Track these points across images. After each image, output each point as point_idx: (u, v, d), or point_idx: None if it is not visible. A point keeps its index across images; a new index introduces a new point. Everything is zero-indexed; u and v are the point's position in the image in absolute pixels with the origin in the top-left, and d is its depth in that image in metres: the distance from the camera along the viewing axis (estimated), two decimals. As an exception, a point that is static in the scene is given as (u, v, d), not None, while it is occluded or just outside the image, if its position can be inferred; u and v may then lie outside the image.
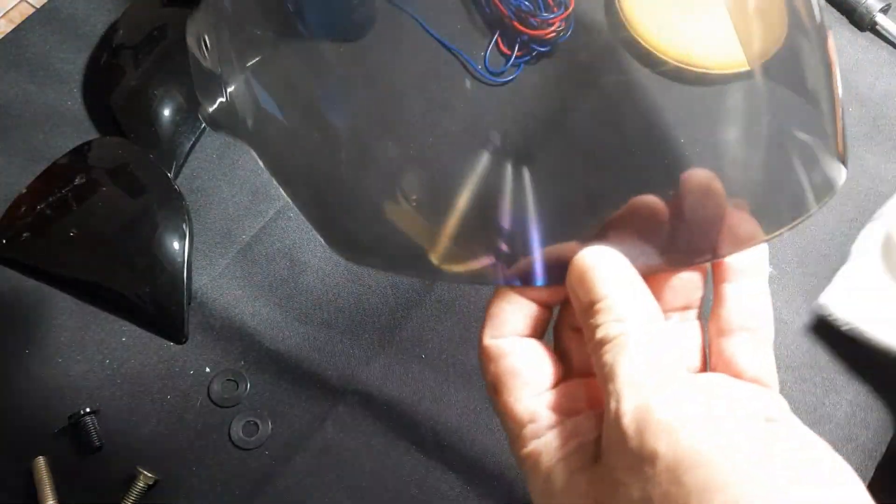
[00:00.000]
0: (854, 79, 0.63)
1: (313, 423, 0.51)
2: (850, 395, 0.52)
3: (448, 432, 0.50)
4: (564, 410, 0.27)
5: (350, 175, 0.33)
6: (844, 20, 0.65)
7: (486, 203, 0.30)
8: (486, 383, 0.28)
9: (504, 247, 0.30)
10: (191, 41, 0.35)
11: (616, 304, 0.26)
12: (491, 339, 0.28)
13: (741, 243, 0.28)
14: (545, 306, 0.29)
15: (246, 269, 0.55)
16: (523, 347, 0.28)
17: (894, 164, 0.60)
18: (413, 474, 0.50)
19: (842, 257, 0.56)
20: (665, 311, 0.29)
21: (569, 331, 0.30)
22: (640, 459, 0.23)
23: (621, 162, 0.31)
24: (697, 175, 0.28)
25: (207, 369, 0.52)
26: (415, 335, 0.53)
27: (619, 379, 0.24)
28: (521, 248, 0.29)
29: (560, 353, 0.30)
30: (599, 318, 0.26)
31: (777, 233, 0.29)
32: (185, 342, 0.53)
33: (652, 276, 0.28)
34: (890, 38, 0.64)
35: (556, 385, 0.28)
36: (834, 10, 0.66)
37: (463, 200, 0.31)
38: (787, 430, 0.26)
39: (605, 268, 0.27)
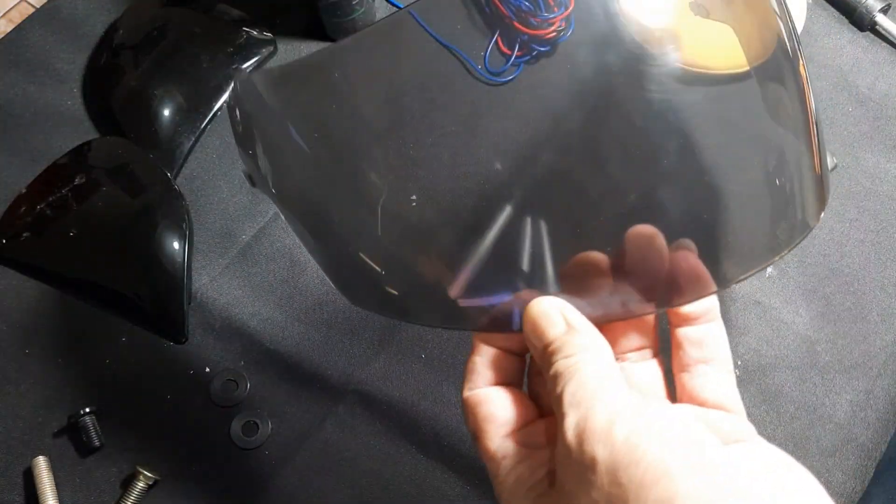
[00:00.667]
0: (854, 79, 0.63)
1: (313, 423, 0.51)
2: (850, 395, 0.52)
3: (448, 432, 0.50)
4: (532, 446, 0.29)
5: (348, 225, 0.35)
6: (844, 20, 0.65)
7: (461, 255, 0.32)
8: (469, 433, 0.31)
9: (476, 295, 0.32)
10: (229, 109, 0.37)
11: (565, 345, 0.29)
12: (468, 392, 0.31)
13: (689, 296, 0.30)
14: (516, 354, 0.32)
15: (246, 269, 0.55)
16: (496, 395, 0.31)
17: (894, 164, 0.60)
18: (413, 474, 0.50)
19: (840, 257, 0.56)
20: (621, 352, 0.32)
21: (536, 375, 0.33)
22: (584, 468, 0.25)
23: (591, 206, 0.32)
24: (639, 232, 0.30)
25: (207, 369, 0.52)
26: (415, 335, 0.53)
27: (565, 402, 0.27)
28: (490, 296, 0.32)
29: (533, 396, 0.32)
30: (552, 359, 0.28)
31: (736, 281, 0.31)
32: (184, 342, 0.53)
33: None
34: (890, 38, 0.64)
35: (527, 424, 0.30)
36: (834, 10, 0.66)
37: (437, 254, 0.33)
38: (751, 450, 0.27)
39: (553, 314, 0.30)
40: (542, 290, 0.31)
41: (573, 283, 0.30)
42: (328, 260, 0.37)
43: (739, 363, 0.53)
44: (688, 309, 0.31)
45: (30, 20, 0.64)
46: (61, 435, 0.50)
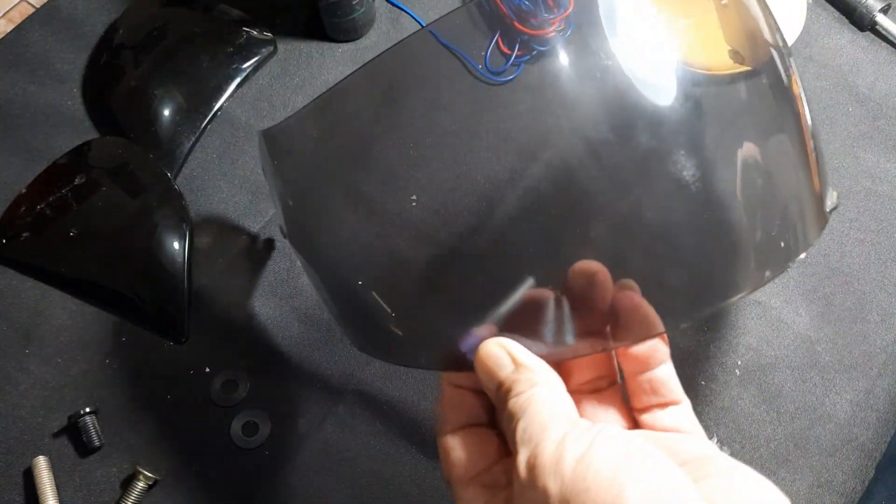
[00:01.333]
0: (854, 79, 0.63)
1: (313, 423, 0.51)
2: (850, 395, 0.52)
3: (448, 432, 0.50)
4: (495, 486, 0.30)
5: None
6: (844, 20, 0.65)
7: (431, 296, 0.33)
8: (443, 478, 0.32)
9: (431, 334, 0.33)
10: (262, 157, 0.38)
11: (515, 383, 0.29)
12: (440, 438, 0.31)
13: (637, 336, 0.31)
14: (481, 393, 0.32)
15: (246, 269, 0.55)
16: (461, 441, 0.31)
17: (894, 164, 0.60)
18: (413, 474, 0.50)
19: (840, 256, 0.56)
20: (578, 383, 0.32)
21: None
22: (537, 501, 0.25)
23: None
24: (581, 268, 0.30)
25: (207, 369, 0.52)
26: (415, 335, 0.53)
27: (517, 439, 0.27)
28: (442, 335, 0.33)
29: (500, 433, 0.32)
30: (505, 398, 0.29)
31: (692, 320, 0.30)
32: (184, 342, 0.53)
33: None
34: (890, 38, 0.64)
35: (492, 466, 0.30)
36: (834, 10, 0.66)
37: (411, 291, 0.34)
38: (707, 466, 0.27)
39: (501, 355, 0.30)
40: (494, 327, 0.31)
41: (523, 321, 0.31)
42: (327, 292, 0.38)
43: (739, 363, 0.53)
44: (636, 350, 0.31)
45: (30, 20, 0.64)
46: (61, 435, 0.50)
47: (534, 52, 0.65)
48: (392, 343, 0.35)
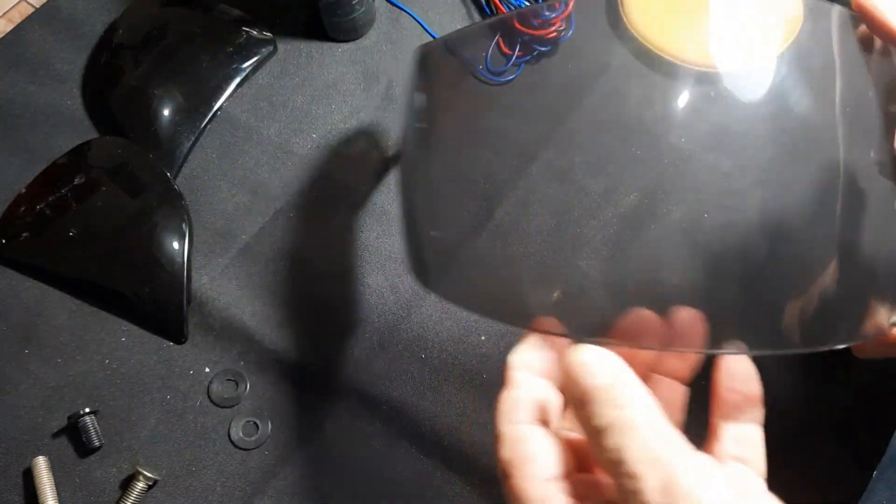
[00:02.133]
0: (854, 79, 0.63)
1: (313, 423, 0.51)
2: (851, 395, 0.52)
3: (448, 432, 0.50)
4: (575, 496, 0.28)
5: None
6: (844, 20, 0.65)
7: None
8: (499, 466, 0.30)
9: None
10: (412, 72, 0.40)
11: (614, 394, 0.27)
12: (507, 425, 0.30)
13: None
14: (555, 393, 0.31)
15: (246, 269, 0.55)
16: (539, 435, 0.29)
17: (894, 164, 0.60)
18: (413, 474, 0.50)
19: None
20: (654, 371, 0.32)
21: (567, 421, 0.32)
22: None
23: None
24: (683, 315, 0.31)
25: (207, 369, 0.52)
26: (415, 335, 0.53)
27: (633, 458, 0.25)
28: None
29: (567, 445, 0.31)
30: (597, 409, 0.27)
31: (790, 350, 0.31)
32: (184, 342, 0.53)
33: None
34: (890, 38, 0.64)
35: (566, 474, 0.29)
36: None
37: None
38: None
39: (597, 363, 0.28)
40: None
41: (620, 334, 0.31)
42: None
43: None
44: (732, 397, 0.31)
45: (29, 20, 0.64)
46: (61, 435, 0.50)
47: (534, 53, 0.65)
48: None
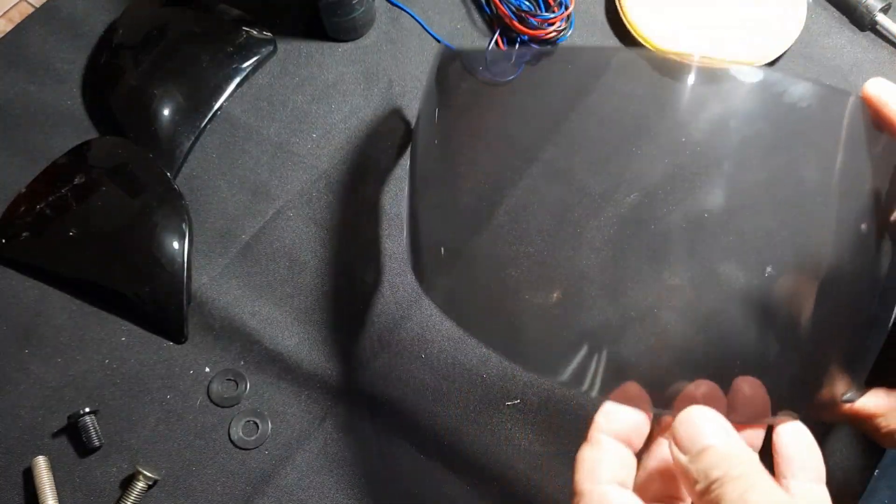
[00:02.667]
0: (854, 79, 0.63)
1: (313, 423, 0.51)
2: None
3: (448, 432, 0.50)
4: None
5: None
6: (845, 20, 0.65)
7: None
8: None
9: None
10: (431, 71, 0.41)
11: (730, 451, 0.28)
12: (590, 483, 0.30)
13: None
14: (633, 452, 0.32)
15: (246, 269, 0.55)
16: (623, 497, 0.30)
17: (894, 164, 0.60)
18: (413, 474, 0.50)
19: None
20: None
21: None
22: None
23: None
24: (745, 388, 0.32)
25: (207, 369, 0.52)
26: (415, 335, 0.53)
27: None
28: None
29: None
30: (713, 463, 0.28)
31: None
32: (184, 342, 0.53)
33: None
34: (890, 37, 0.64)
35: None
36: (834, 10, 0.66)
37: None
38: None
39: (711, 420, 0.30)
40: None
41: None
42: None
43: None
44: (793, 453, 0.32)
45: (29, 20, 0.64)
46: (61, 435, 0.50)
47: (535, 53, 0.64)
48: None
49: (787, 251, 0.35)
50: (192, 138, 0.58)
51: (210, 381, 0.51)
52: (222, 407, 0.51)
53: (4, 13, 0.68)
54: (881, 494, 0.49)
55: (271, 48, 0.63)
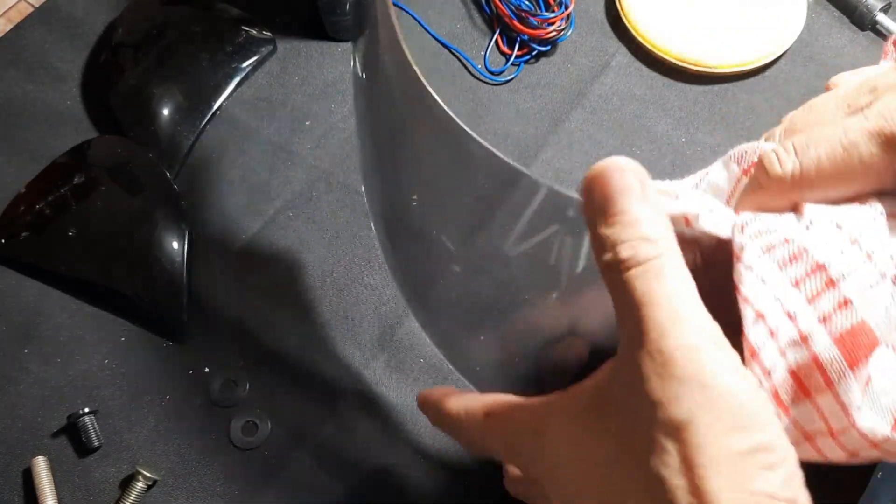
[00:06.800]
0: (854, 78, 0.63)
1: (313, 423, 0.51)
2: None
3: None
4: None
5: None
6: (845, 20, 0.65)
7: None
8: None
9: None
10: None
11: (645, 221, 0.22)
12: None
13: None
14: None
15: (246, 269, 0.55)
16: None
17: (894, 164, 0.60)
18: (413, 475, 0.50)
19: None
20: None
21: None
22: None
23: None
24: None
25: (207, 369, 0.52)
26: (415, 335, 0.53)
27: (661, 312, 0.21)
28: None
29: None
30: (622, 232, 0.22)
31: None
32: (184, 342, 0.53)
33: None
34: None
35: None
36: (834, 10, 0.66)
37: None
38: None
39: (632, 178, 0.22)
40: None
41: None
42: None
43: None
44: None
45: (29, 19, 0.64)
46: (60, 435, 0.50)
47: (534, 52, 0.64)
48: None
49: None
50: (192, 138, 0.58)
51: (210, 381, 0.51)
52: (222, 407, 0.51)
53: (4, 13, 0.68)
54: (883, 499, 0.49)
55: (271, 47, 0.62)
